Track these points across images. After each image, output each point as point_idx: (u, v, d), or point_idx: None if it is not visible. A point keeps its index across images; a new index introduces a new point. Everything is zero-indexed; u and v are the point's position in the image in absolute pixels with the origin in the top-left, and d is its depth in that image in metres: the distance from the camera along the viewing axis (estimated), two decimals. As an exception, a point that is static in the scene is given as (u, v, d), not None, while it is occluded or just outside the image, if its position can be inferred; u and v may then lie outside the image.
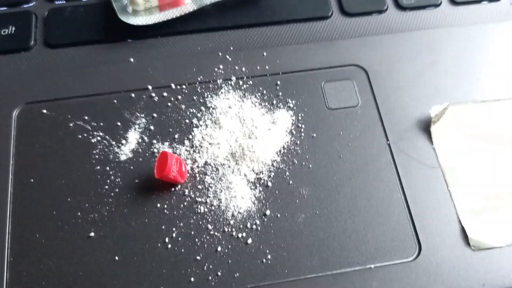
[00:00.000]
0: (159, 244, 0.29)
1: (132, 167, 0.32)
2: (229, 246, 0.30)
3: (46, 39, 0.37)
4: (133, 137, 0.33)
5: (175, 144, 0.33)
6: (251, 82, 0.35)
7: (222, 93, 0.35)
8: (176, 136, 0.33)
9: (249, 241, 0.30)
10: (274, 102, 0.34)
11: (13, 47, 0.36)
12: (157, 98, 0.34)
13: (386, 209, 0.31)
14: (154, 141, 0.33)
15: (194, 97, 0.35)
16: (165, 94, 0.34)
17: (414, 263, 0.29)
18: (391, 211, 0.31)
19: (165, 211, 0.30)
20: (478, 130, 0.34)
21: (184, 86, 0.35)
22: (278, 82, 0.35)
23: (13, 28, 0.37)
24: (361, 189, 0.31)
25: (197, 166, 0.32)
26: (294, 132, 0.33)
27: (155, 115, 0.34)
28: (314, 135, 0.33)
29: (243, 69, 0.36)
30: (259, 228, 0.30)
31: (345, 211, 0.31)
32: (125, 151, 0.32)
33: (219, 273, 0.29)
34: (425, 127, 0.34)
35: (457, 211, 0.31)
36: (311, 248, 0.30)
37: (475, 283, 0.29)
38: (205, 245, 0.30)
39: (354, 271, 0.29)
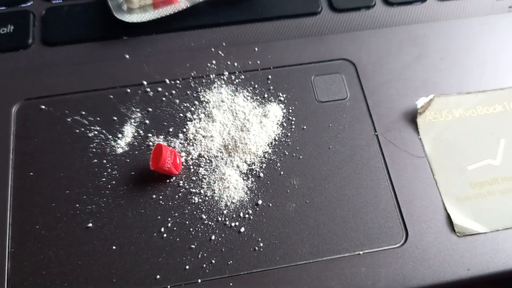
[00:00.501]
0: (155, 234, 0.30)
1: (128, 160, 0.33)
2: (223, 235, 0.31)
3: (44, 37, 0.38)
4: (129, 131, 0.34)
5: (169, 137, 0.34)
6: (243, 76, 0.36)
7: (215, 87, 0.36)
8: (171, 129, 0.34)
9: (242, 229, 0.31)
10: (266, 95, 0.36)
11: (12, 45, 0.37)
12: (152, 93, 0.35)
13: (374, 198, 0.32)
14: (149, 135, 0.34)
15: (188, 92, 0.36)
16: (159, 89, 0.36)
17: (401, 249, 0.30)
18: (379, 199, 0.32)
19: (161, 202, 0.32)
20: (463, 120, 0.35)
21: (178, 81, 0.36)
22: (269, 77, 0.36)
23: (12, 27, 0.38)
24: (350, 179, 0.32)
25: (191, 158, 0.33)
26: (285, 125, 0.34)
27: (150, 109, 0.35)
28: (305, 127, 0.34)
29: (235, 64, 0.37)
30: (251, 217, 0.31)
31: (335, 200, 0.32)
32: (121, 144, 0.33)
33: (213, 261, 0.30)
34: (412, 118, 0.35)
35: (443, 199, 0.32)
36: (302, 236, 0.31)
37: (460, 268, 0.30)
38: (200, 234, 0.31)
39: (343, 257, 0.30)
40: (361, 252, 0.30)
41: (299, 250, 0.30)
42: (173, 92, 0.35)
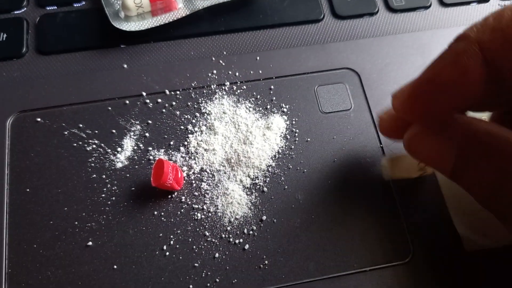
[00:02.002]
0: (157, 252, 0.30)
1: (128, 175, 0.32)
2: (227, 253, 0.30)
3: (38, 46, 0.36)
4: (128, 144, 0.33)
5: (170, 151, 0.33)
6: (244, 87, 0.35)
7: (216, 98, 0.35)
8: (172, 142, 0.33)
9: (246, 246, 0.30)
10: (268, 107, 0.35)
11: (5, 55, 0.36)
12: (151, 104, 0.34)
13: (379, 212, 0.31)
14: (150, 148, 0.33)
15: (189, 103, 0.35)
16: (159, 100, 0.35)
17: (408, 265, 0.30)
18: (385, 214, 0.31)
19: (162, 218, 0.31)
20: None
21: (178, 92, 0.35)
22: (272, 87, 0.35)
23: (4, 35, 0.36)
24: (355, 193, 0.32)
25: (193, 173, 0.32)
26: (289, 137, 0.34)
27: (150, 121, 0.34)
28: (308, 139, 0.34)
29: (237, 73, 0.36)
30: (256, 233, 0.30)
31: (340, 215, 0.31)
32: (121, 158, 0.32)
33: (217, 280, 0.29)
34: (417, 129, 0.34)
35: (450, 212, 0.31)
36: (308, 253, 0.30)
37: (468, 284, 0.30)
38: (203, 252, 0.30)
39: (350, 274, 0.30)
40: (367, 269, 0.30)
41: (305, 268, 0.30)
42: (173, 103, 0.35)
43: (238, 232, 0.31)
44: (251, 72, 0.36)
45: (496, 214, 0.24)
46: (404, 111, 0.26)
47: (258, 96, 0.35)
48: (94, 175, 0.32)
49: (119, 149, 0.33)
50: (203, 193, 0.32)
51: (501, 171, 0.22)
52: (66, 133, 0.33)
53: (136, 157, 0.33)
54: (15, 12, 0.38)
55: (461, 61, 0.22)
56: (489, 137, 0.22)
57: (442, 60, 0.23)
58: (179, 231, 0.30)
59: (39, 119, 0.33)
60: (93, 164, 0.32)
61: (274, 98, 0.35)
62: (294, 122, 0.34)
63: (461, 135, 0.23)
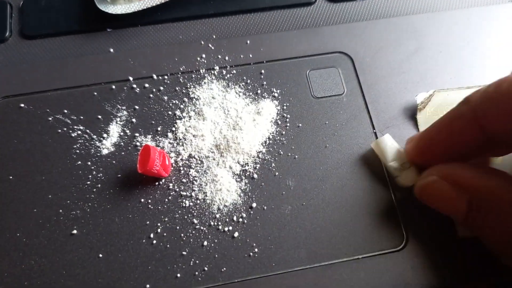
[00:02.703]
0: (144, 240, 0.29)
1: (114, 162, 0.31)
2: (215, 241, 0.29)
3: (22, 30, 0.35)
4: (114, 130, 0.32)
5: (158, 137, 0.32)
6: (234, 71, 0.34)
7: (205, 83, 0.34)
8: (159, 128, 0.32)
9: (236, 234, 0.29)
10: (259, 91, 0.34)
11: (-13, 39, 0.35)
12: (138, 89, 0.33)
13: (372, 199, 0.31)
14: (137, 134, 0.32)
15: (177, 88, 0.34)
16: (146, 85, 0.34)
17: (401, 252, 0.29)
18: (378, 201, 0.31)
19: (149, 206, 0.30)
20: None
21: (166, 77, 0.34)
22: (262, 71, 0.35)
23: (-13, 19, 0.35)
24: (348, 179, 0.31)
25: (181, 159, 0.31)
26: (280, 122, 0.33)
27: (137, 107, 0.33)
28: (300, 125, 0.33)
29: (226, 58, 0.35)
30: (245, 221, 0.30)
31: (332, 202, 0.30)
32: (107, 145, 0.32)
33: (206, 268, 0.28)
34: (411, 114, 0.33)
35: (444, 199, 0.31)
36: (298, 240, 0.29)
37: (462, 271, 0.29)
38: (191, 240, 0.29)
39: (341, 262, 0.29)
40: (360, 257, 0.29)
41: (296, 255, 0.29)
42: (161, 88, 0.34)
43: (227, 219, 0.30)
44: (241, 56, 0.35)
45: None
46: (411, 156, 0.29)
47: (248, 81, 0.34)
48: (79, 162, 0.31)
49: (105, 135, 0.32)
50: (191, 180, 0.31)
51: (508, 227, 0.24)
52: (50, 119, 0.32)
53: (122, 143, 0.32)
54: (-2, -5, 0.37)
55: (457, 124, 0.26)
56: (493, 196, 0.25)
57: (444, 119, 0.27)
58: (166, 219, 0.30)
59: (22, 105, 0.33)
60: (78, 151, 0.31)
61: (264, 82, 0.34)
62: (285, 107, 0.33)
63: (470, 188, 0.25)
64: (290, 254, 0.29)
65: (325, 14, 0.37)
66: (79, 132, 0.32)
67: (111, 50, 0.35)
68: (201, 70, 0.34)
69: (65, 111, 0.32)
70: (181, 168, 0.31)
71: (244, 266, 0.29)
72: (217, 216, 0.30)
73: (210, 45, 0.35)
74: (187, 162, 0.31)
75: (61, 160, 0.31)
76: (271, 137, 0.32)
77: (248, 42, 0.36)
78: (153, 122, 0.32)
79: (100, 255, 0.28)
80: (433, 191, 0.27)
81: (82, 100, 0.33)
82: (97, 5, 0.35)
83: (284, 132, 0.32)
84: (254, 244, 0.29)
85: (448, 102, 0.34)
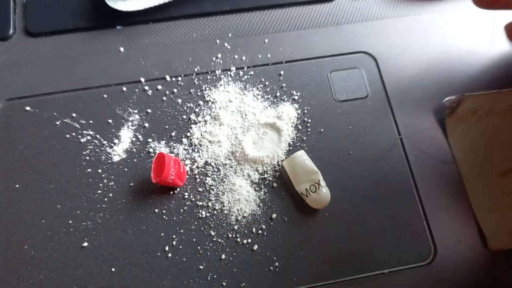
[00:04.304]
0: (158, 253, 0.27)
1: (126, 169, 0.29)
2: (234, 254, 0.28)
3: (27, 27, 0.34)
4: (126, 135, 0.30)
5: (172, 143, 0.30)
6: (252, 72, 0.33)
7: (221, 85, 0.32)
8: (173, 133, 0.31)
9: (255, 247, 0.28)
10: (278, 94, 0.32)
11: (-10, 37, 0.33)
12: (150, 91, 0.32)
13: (399, 210, 0.29)
14: (149, 140, 0.30)
15: (191, 90, 0.32)
16: (159, 87, 0.32)
17: (430, 266, 0.28)
18: (405, 212, 0.29)
19: (164, 216, 0.28)
20: (493, 122, 0.32)
21: (180, 78, 0.32)
22: (281, 72, 0.33)
23: (-11, 15, 0.33)
24: (373, 189, 0.29)
25: (197, 167, 0.30)
26: (300, 127, 0.31)
27: (149, 110, 0.31)
28: (322, 130, 0.31)
29: (243, 58, 0.33)
30: (265, 233, 0.28)
31: (356, 213, 0.29)
32: (118, 151, 0.30)
33: (224, 283, 0.27)
34: (439, 119, 0.31)
35: (474, 210, 0.29)
36: (321, 254, 0.28)
37: (493, 286, 0.28)
38: (208, 253, 0.28)
39: (367, 277, 0.27)
40: (386, 271, 0.28)
41: (319, 270, 0.28)
42: (175, 90, 0.32)
43: (246, 231, 0.28)
44: (259, 56, 0.33)
45: None
46: None
47: (267, 83, 0.32)
48: (89, 170, 0.29)
49: (116, 140, 0.30)
50: (207, 189, 0.29)
51: None
52: (58, 123, 0.30)
53: (134, 149, 0.30)
54: (1, -10, 0.35)
55: None
56: None
57: None
58: (182, 231, 0.28)
59: (28, 108, 0.31)
60: (88, 158, 0.30)
61: (284, 84, 0.32)
62: (306, 111, 0.32)
63: None
64: (312, 268, 0.27)
65: (346, 10, 0.35)
66: (89, 137, 0.30)
67: (121, 49, 0.33)
68: (216, 71, 0.32)
69: (74, 114, 0.31)
70: (197, 176, 0.29)
71: (265, 281, 0.27)
72: (235, 227, 0.28)
73: (226, 44, 0.33)
74: (203, 169, 0.30)
75: (70, 168, 0.29)
76: (291, 143, 0.31)
77: (266, 41, 0.34)
78: (167, 126, 0.31)
79: (113, 269, 0.27)
80: None
81: (91, 103, 0.31)
82: (106, 1, 0.33)
83: (305, 138, 0.31)
84: (275, 258, 0.28)
85: (477, 107, 0.32)
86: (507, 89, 0.32)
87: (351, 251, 0.28)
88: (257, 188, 0.29)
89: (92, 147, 0.30)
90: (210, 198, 0.29)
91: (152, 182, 0.28)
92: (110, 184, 0.29)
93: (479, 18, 0.35)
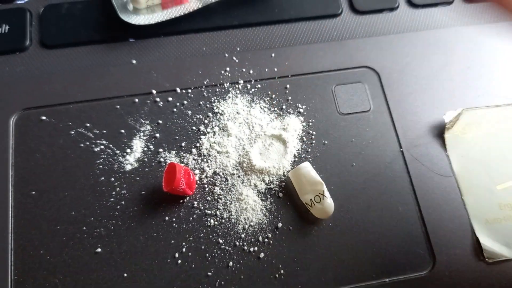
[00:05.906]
0: (168, 260, 0.29)
1: (138, 178, 0.31)
2: (241, 261, 0.29)
3: (42, 39, 0.35)
4: (138, 145, 0.32)
5: (182, 153, 0.31)
6: (259, 85, 0.34)
7: (229, 97, 0.33)
8: (183, 144, 0.32)
9: (261, 255, 0.29)
10: (284, 107, 0.33)
11: (7, 48, 0.34)
12: (162, 103, 0.33)
13: (400, 221, 0.30)
14: (160, 150, 0.31)
15: (201, 102, 0.33)
16: (170, 98, 0.33)
17: (429, 276, 0.29)
18: (405, 223, 0.30)
19: (174, 224, 0.29)
20: (491, 136, 0.33)
21: (189, 90, 0.33)
22: (288, 86, 0.34)
23: (7, 27, 0.35)
24: (375, 200, 0.31)
25: (206, 176, 0.31)
26: (305, 139, 0.32)
27: (160, 121, 0.32)
28: (326, 142, 0.32)
29: (251, 71, 0.34)
30: (271, 241, 0.29)
31: (359, 223, 0.30)
32: (130, 160, 0.31)
33: (231, 290, 0.28)
34: (439, 133, 0.33)
35: (471, 221, 0.30)
36: (325, 262, 0.29)
37: (489, 296, 0.29)
38: (216, 260, 0.29)
39: (369, 285, 0.28)
40: (387, 280, 0.29)
41: (322, 278, 0.29)
42: (185, 102, 0.33)
43: (252, 239, 0.29)
44: (266, 69, 0.34)
45: None
46: None
47: (273, 96, 0.34)
48: (103, 178, 0.30)
49: (128, 150, 0.31)
50: (216, 198, 0.30)
51: None
52: (72, 132, 0.32)
53: (146, 159, 0.31)
54: (18, 2, 0.36)
55: None
56: None
57: None
58: (191, 238, 0.29)
59: (44, 118, 0.32)
60: (101, 166, 0.31)
61: (290, 97, 0.34)
62: (310, 123, 0.33)
63: None
64: (317, 276, 0.29)
65: (351, 26, 0.37)
66: (102, 146, 0.31)
67: (134, 61, 0.34)
68: (225, 84, 0.34)
69: (88, 124, 0.32)
70: (206, 186, 0.31)
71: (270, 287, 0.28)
72: (243, 236, 0.29)
73: (234, 58, 0.35)
74: (211, 179, 0.31)
75: (84, 176, 0.30)
76: (296, 154, 0.32)
77: (273, 55, 0.35)
78: (177, 137, 0.32)
79: (125, 275, 0.28)
80: None
81: (105, 113, 0.32)
82: (119, 15, 0.34)
83: (309, 150, 0.32)
84: (280, 265, 0.29)
85: (477, 121, 0.33)
86: (505, 104, 0.34)
87: (353, 260, 0.29)
88: (263, 198, 0.30)
89: (105, 156, 0.31)
90: (218, 207, 0.30)
91: (163, 191, 0.29)
92: (123, 192, 0.30)
93: (481, 35, 0.36)
